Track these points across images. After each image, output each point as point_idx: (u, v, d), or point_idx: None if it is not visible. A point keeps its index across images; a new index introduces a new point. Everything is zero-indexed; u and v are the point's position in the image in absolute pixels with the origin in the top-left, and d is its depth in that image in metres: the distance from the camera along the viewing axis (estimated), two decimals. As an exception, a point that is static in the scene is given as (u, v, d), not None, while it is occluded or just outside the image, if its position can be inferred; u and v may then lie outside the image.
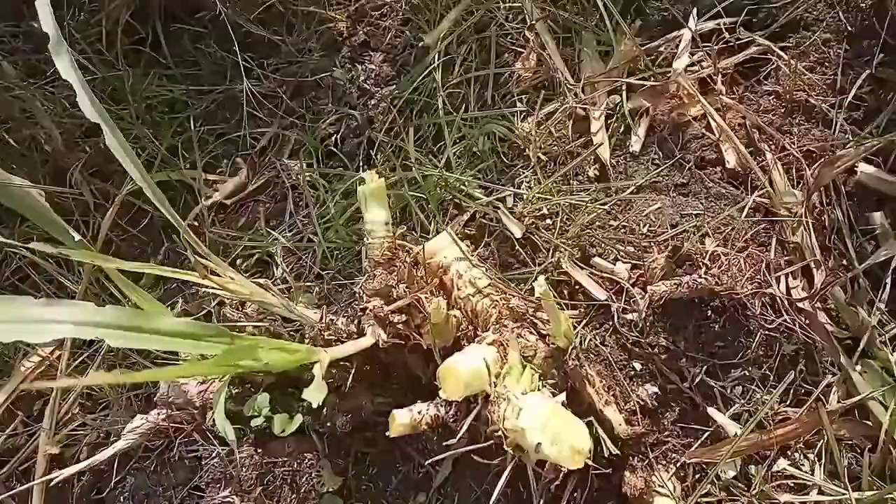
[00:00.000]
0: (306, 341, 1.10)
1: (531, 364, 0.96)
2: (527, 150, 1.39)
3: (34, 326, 0.74)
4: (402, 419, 0.94)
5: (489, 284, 1.06)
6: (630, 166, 1.35)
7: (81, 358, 1.58)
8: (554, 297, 0.99)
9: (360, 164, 1.62)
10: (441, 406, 0.96)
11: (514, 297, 1.06)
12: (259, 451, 1.30)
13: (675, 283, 1.09)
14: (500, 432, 0.85)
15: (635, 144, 1.35)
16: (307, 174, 1.60)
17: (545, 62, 1.49)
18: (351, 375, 1.09)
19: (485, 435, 0.91)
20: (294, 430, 1.03)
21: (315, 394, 0.85)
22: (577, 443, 0.82)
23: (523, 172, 1.40)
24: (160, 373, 0.84)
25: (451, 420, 0.92)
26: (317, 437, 1.16)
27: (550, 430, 0.82)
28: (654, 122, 1.38)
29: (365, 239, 1.06)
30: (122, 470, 1.53)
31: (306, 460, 1.38)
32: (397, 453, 1.30)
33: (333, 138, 1.68)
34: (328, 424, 1.13)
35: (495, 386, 0.87)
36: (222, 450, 1.47)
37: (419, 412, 0.96)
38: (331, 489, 1.25)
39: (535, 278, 0.99)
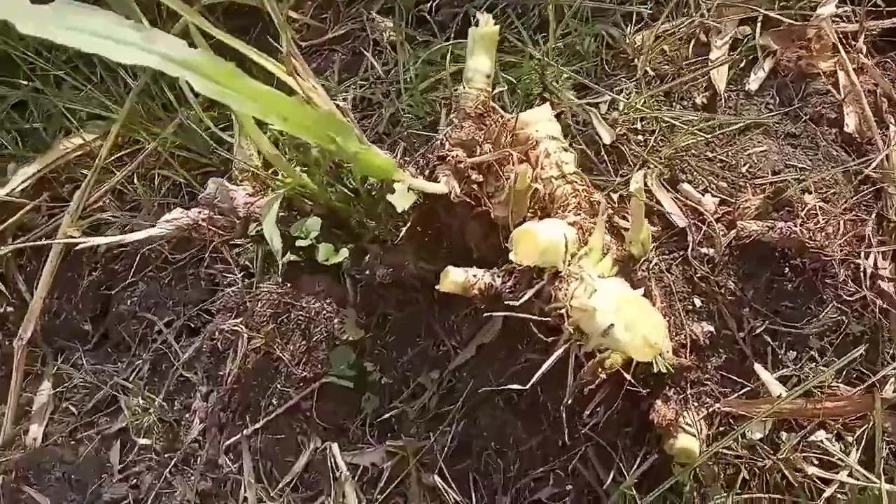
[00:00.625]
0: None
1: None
2: (635, 60, 1.30)
3: (120, 46, 0.67)
4: (455, 276, 0.88)
5: (575, 172, 0.99)
6: (742, 104, 1.25)
7: (121, 154, 1.53)
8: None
9: (451, 36, 1.52)
10: (498, 276, 0.90)
11: (596, 192, 0.99)
12: (285, 286, 1.25)
13: (767, 225, 1.02)
14: (563, 310, 0.80)
15: (753, 83, 1.26)
16: (392, 33, 1.50)
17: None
18: (404, 230, 1.03)
19: (540, 312, 0.85)
20: (335, 262, 0.97)
21: (401, 199, 0.78)
22: (652, 335, 0.76)
23: (624, 83, 1.30)
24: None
25: (508, 291, 0.87)
26: (350, 284, 1.11)
27: (626, 316, 0.76)
28: (777, 66, 1.28)
29: (462, 86, 0.98)
30: (136, 274, 1.50)
31: (325, 310, 1.34)
32: (422, 325, 1.25)
33: (429, 5, 1.58)
34: (366, 273, 1.07)
35: (569, 264, 0.81)
36: (242, 279, 1.43)
37: (474, 275, 0.90)
38: (351, 338, 1.20)
39: (630, 177, 0.91)
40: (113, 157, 1.47)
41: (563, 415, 0.98)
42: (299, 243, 0.95)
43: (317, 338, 1.35)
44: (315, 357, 1.34)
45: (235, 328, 1.38)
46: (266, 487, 1.27)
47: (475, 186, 0.91)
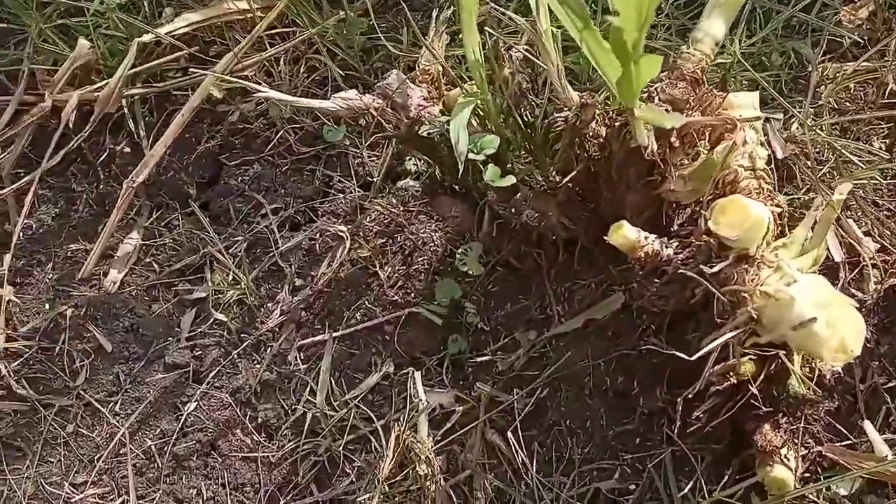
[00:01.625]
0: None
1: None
2: (821, 87, 1.26)
3: None
4: (628, 231, 0.85)
5: (764, 169, 0.95)
6: (920, 161, 1.21)
7: (278, 31, 1.51)
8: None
9: None
10: (668, 246, 0.86)
11: (779, 195, 0.95)
12: (421, 200, 1.23)
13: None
14: (745, 293, 0.76)
15: (940, 147, 1.21)
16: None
17: (877, 22, 1.33)
18: (565, 179, 1.00)
19: (706, 291, 0.82)
20: (503, 185, 0.94)
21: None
22: (852, 340, 0.73)
23: (800, 104, 1.26)
24: None
25: (679, 262, 0.83)
26: (488, 218, 1.08)
27: (829, 312, 0.72)
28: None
29: (688, 45, 0.94)
30: (255, 153, 1.48)
31: (434, 241, 1.32)
32: (534, 283, 1.23)
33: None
34: (511, 211, 1.05)
35: (763, 250, 0.77)
36: (356, 189, 1.42)
37: (646, 237, 0.87)
38: (472, 272, 1.18)
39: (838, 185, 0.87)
40: (270, 33, 1.46)
41: (671, 410, 0.94)
42: (471, 157, 0.92)
43: (417, 266, 1.33)
44: (411, 285, 1.32)
45: (340, 234, 1.37)
46: (330, 395, 1.25)
47: (668, 150, 0.88)
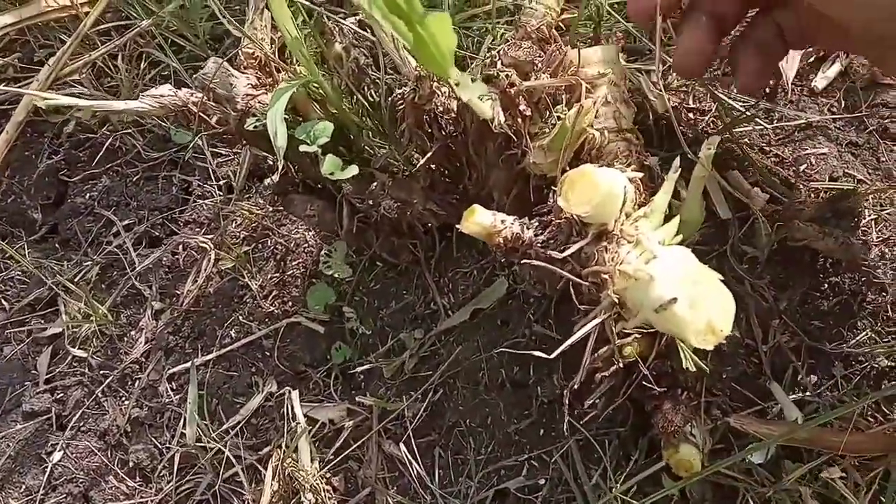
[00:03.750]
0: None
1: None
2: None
3: None
4: (481, 217, 0.75)
5: (630, 129, 0.86)
6: (804, 101, 1.14)
7: (108, 26, 1.35)
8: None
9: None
10: (528, 228, 0.77)
11: (650, 156, 0.87)
12: (266, 208, 1.11)
13: (823, 231, 0.91)
14: (605, 275, 0.67)
15: (820, 81, 1.14)
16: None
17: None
18: (421, 161, 0.90)
19: (571, 274, 0.73)
20: (340, 178, 0.83)
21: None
22: (719, 319, 0.64)
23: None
24: None
25: (540, 245, 0.74)
26: (347, 213, 0.96)
27: (691, 291, 0.63)
28: (848, 69, 1.17)
29: (529, 1, 0.84)
30: (101, 165, 1.33)
31: (307, 243, 1.20)
32: (414, 278, 1.12)
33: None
34: (369, 203, 0.93)
35: (622, 224, 0.68)
36: (220, 192, 1.28)
37: (502, 220, 0.77)
38: (337, 275, 1.06)
39: (708, 139, 0.79)
40: (98, 28, 1.29)
41: (565, 401, 0.85)
42: (303, 148, 0.81)
43: (293, 272, 1.21)
44: (287, 293, 1.20)
45: (203, 245, 1.24)
46: (208, 426, 1.13)
47: (519, 120, 0.78)
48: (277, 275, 1.21)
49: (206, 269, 1.22)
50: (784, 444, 1.01)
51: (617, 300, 0.68)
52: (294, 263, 1.21)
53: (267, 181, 1.29)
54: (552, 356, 0.75)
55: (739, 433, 1.01)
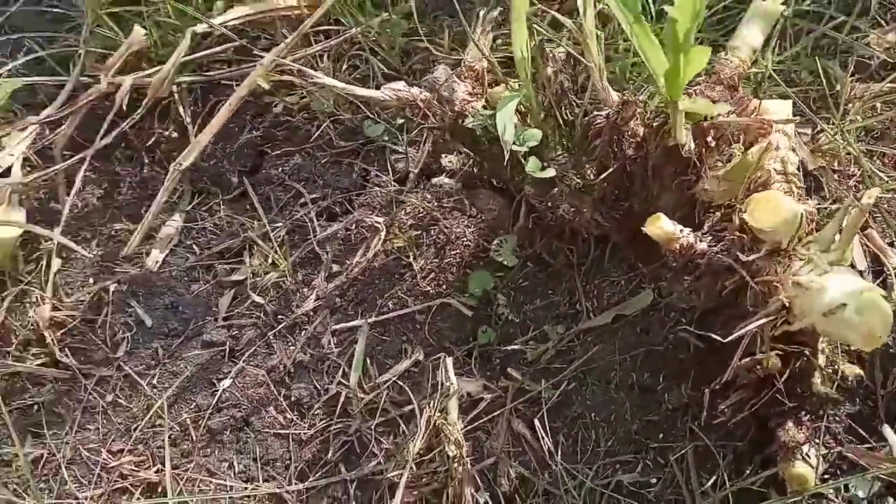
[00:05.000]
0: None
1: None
2: (850, 105, 1.30)
3: None
4: (665, 223, 0.89)
5: (795, 174, 0.99)
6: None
7: (324, 29, 1.57)
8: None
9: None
10: (702, 240, 0.90)
11: (809, 200, 0.99)
12: (458, 191, 1.27)
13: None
14: (777, 283, 0.80)
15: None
16: None
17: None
18: (601, 176, 1.05)
19: (737, 283, 0.86)
20: (544, 177, 0.98)
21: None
22: (880, 328, 0.76)
23: (828, 121, 1.30)
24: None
25: (714, 254, 0.87)
26: (524, 211, 1.12)
27: (859, 300, 0.76)
28: None
29: (726, 52, 0.99)
30: (296, 145, 1.54)
31: (466, 236, 1.36)
32: (564, 279, 1.27)
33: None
34: (548, 205, 1.09)
35: (795, 244, 0.81)
36: (392, 182, 1.46)
37: (681, 230, 0.91)
38: (506, 262, 1.22)
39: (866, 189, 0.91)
40: (315, 29, 1.51)
41: (695, 406, 0.97)
42: (514, 148, 0.97)
43: (449, 260, 1.37)
44: (443, 277, 1.36)
45: (376, 225, 1.42)
46: (362, 379, 1.29)
47: (703, 150, 0.92)
48: (436, 260, 1.37)
49: (375, 246, 1.40)
50: (891, 483, 1.09)
51: (787, 303, 0.81)
52: (452, 253, 1.37)
53: (435, 179, 1.47)
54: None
55: (849, 466, 1.10)
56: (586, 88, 1.06)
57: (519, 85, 1.04)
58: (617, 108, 0.96)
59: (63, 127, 1.51)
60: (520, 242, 1.23)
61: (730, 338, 0.87)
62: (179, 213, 1.52)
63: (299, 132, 1.54)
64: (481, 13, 1.19)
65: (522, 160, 1.00)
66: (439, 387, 1.19)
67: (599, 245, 1.23)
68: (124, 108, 1.42)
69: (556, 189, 1.09)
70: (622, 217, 1.14)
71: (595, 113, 1.02)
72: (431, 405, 1.17)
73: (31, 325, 1.33)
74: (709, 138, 0.92)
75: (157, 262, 1.45)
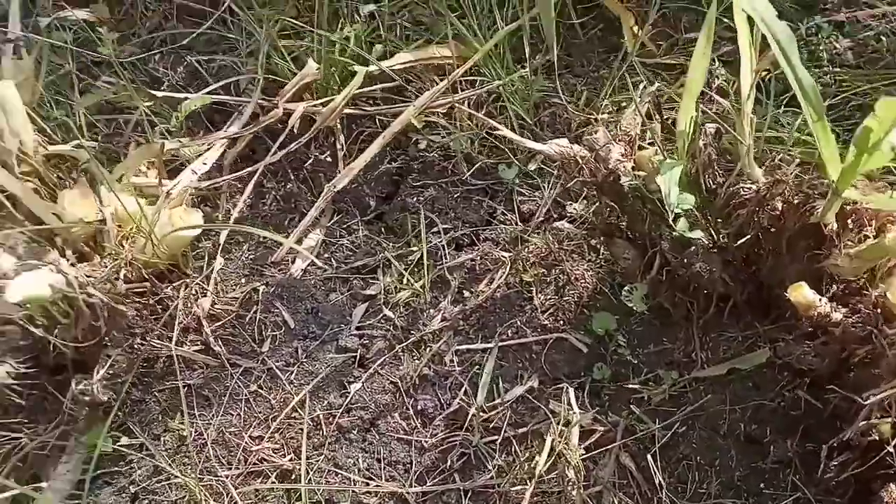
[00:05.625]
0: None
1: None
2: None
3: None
4: (807, 292, 1.00)
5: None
6: None
7: (471, 79, 1.73)
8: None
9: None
10: (838, 311, 1.01)
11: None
12: (579, 235, 1.40)
13: None
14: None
15: None
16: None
17: None
18: (737, 242, 1.16)
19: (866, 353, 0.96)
20: (693, 237, 1.10)
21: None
22: None
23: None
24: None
25: (850, 325, 0.98)
26: (658, 264, 1.24)
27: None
28: None
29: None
30: (432, 178, 1.69)
31: (584, 279, 1.49)
32: (682, 329, 1.38)
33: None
34: (683, 261, 1.20)
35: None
36: (518, 224, 1.60)
37: (820, 299, 1.02)
38: (636, 308, 1.34)
39: None
40: (465, 79, 1.68)
41: (799, 461, 1.07)
42: (675, 210, 1.09)
43: (567, 298, 1.50)
44: (561, 313, 1.49)
45: (502, 259, 1.55)
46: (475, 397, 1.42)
47: (841, 230, 1.04)
48: (556, 298, 1.50)
49: (499, 278, 1.53)
50: None
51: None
52: (571, 293, 1.50)
53: (557, 223, 1.61)
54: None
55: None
56: (730, 160, 1.18)
57: (673, 153, 1.17)
58: (767, 185, 1.08)
59: (236, 144, 1.68)
60: (646, 292, 1.35)
61: (867, 402, 0.97)
62: (321, 229, 1.68)
63: (435, 168, 1.69)
64: (640, 88, 1.33)
65: (671, 219, 1.13)
66: (559, 414, 1.31)
67: (720, 302, 1.34)
68: (295, 131, 1.59)
69: (692, 248, 1.20)
70: (747, 279, 1.25)
71: (740, 186, 1.14)
72: (554, 430, 1.29)
73: (193, 314, 1.49)
74: (849, 220, 1.03)
75: (300, 269, 1.61)
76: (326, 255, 1.66)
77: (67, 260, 1.28)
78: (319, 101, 1.62)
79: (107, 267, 1.23)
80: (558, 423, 1.32)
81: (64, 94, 1.78)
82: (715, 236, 1.22)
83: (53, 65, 1.83)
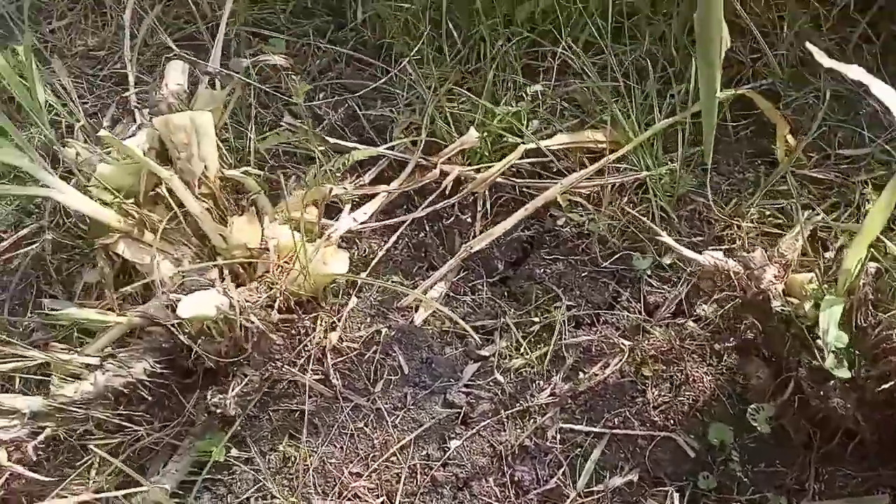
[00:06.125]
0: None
1: None
2: None
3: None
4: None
5: None
6: None
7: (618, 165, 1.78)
8: None
9: None
10: None
11: None
12: (675, 341, 1.39)
13: None
14: None
15: None
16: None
17: None
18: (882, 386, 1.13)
19: None
20: (841, 376, 1.09)
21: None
22: None
23: None
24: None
25: None
26: (791, 390, 1.22)
27: None
28: None
29: None
30: (562, 253, 1.73)
31: (700, 384, 1.47)
32: (798, 457, 1.34)
33: None
34: (820, 393, 1.18)
35: None
36: (640, 312, 1.61)
37: None
38: (760, 429, 1.32)
39: None
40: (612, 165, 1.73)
41: None
42: (830, 348, 1.07)
43: (682, 399, 1.49)
44: (672, 412, 1.47)
45: (621, 346, 1.57)
46: (573, 480, 1.42)
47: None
48: (670, 395, 1.49)
49: (614, 364, 1.54)
50: None
51: None
52: (686, 393, 1.48)
53: (681, 321, 1.60)
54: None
55: None
56: (884, 302, 1.16)
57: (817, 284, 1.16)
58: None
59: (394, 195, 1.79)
60: (772, 413, 1.32)
61: None
62: (445, 282, 1.75)
63: (567, 243, 1.73)
64: (802, 215, 1.33)
65: (824, 355, 1.11)
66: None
67: (845, 436, 1.29)
68: (447, 192, 1.68)
69: (832, 382, 1.18)
70: (881, 421, 1.21)
71: (893, 332, 1.11)
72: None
73: (319, 346, 1.58)
74: None
75: (421, 318, 1.68)
76: (449, 309, 1.72)
77: (223, 279, 1.40)
78: (473, 167, 1.70)
79: (262, 294, 1.34)
80: (657, 526, 1.30)
81: (243, 125, 1.95)
82: (857, 375, 1.19)
83: (240, 100, 2.02)
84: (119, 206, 1.51)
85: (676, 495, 1.32)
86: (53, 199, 1.56)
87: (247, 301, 1.30)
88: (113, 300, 1.61)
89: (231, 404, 1.33)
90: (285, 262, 1.43)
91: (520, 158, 1.68)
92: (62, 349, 1.56)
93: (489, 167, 1.69)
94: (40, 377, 1.58)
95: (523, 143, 1.65)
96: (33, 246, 1.89)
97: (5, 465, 1.34)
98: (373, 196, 1.69)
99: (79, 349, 1.57)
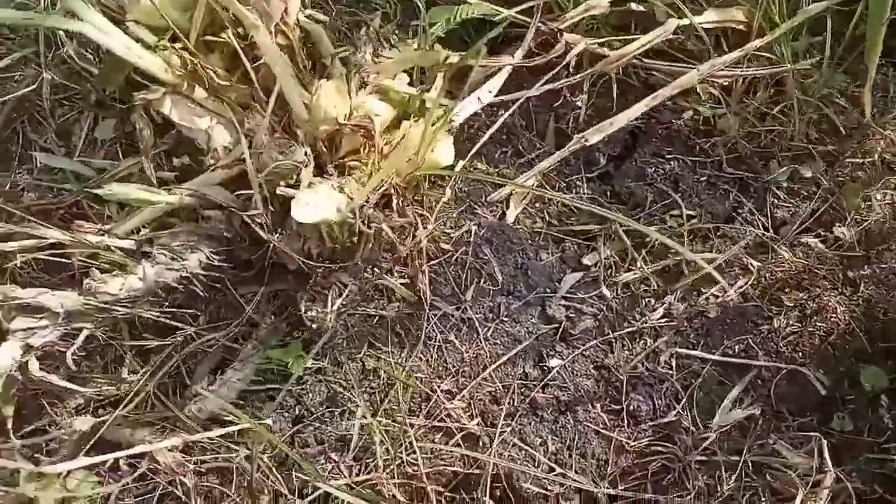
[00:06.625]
0: None
1: None
2: None
3: None
4: None
5: None
6: None
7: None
8: None
9: None
10: None
11: None
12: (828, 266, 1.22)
13: None
14: None
15: None
16: None
17: None
18: None
19: None
20: None
21: None
22: None
23: None
24: None
25: None
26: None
27: None
28: None
29: None
30: (679, 153, 1.50)
31: (838, 313, 1.33)
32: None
33: None
34: None
35: None
36: (762, 231, 1.42)
37: None
38: None
39: None
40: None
41: None
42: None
43: (812, 330, 1.34)
44: (801, 344, 1.34)
45: (750, 266, 1.38)
46: (696, 416, 1.29)
47: None
48: (799, 325, 1.34)
49: (737, 286, 1.37)
50: None
51: None
52: (818, 325, 1.33)
53: (811, 240, 1.42)
54: None
55: None
56: None
57: None
58: None
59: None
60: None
61: None
62: (539, 174, 1.50)
63: (688, 143, 1.50)
64: None
65: None
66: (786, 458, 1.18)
67: None
68: (570, 69, 1.39)
69: None
70: None
71: None
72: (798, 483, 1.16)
73: (412, 245, 1.33)
74: None
75: (514, 216, 1.45)
76: (539, 205, 1.49)
77: (307, 155, 1.12)
78: (599, 40, 1.40)
79: (368, 187, 1.06)
80: (794, 471, 1.19)
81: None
82: None
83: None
84: (165, 52, 1.18)
85: (825, 443, 1.20)
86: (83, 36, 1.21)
87: (365, 203, 1.04)
88: (151, 172, 1.32)
89: (332, 319, 1.10)
90: (386, 144, 1.15)
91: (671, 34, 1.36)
92: (87, 228, 1.28)
93: (618, 41, 1.39)
94: (48, 257, 1.29)
95: (675, 17, 1.35)
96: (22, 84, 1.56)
97: (37, 377, 1.10)
98: (496, 71, 1.36)
99: (107, 229, 1.30)
